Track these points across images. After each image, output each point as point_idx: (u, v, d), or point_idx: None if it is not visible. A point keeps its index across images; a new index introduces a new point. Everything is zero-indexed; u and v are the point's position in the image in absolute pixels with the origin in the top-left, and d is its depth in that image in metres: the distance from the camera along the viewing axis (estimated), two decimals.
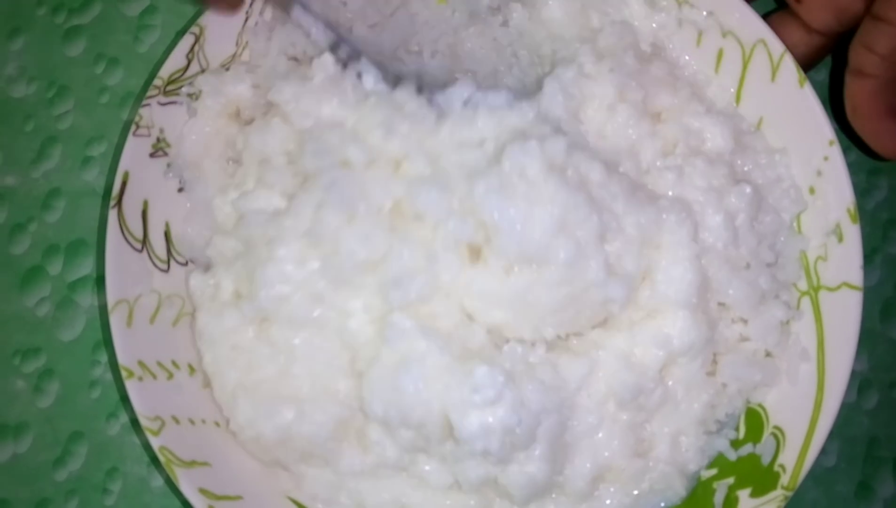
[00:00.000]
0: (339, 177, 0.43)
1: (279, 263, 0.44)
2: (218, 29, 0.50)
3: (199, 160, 0.50)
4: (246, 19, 0.51)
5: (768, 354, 0.48)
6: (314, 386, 0.45)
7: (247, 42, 0.51)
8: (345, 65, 0.47)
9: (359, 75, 0.46)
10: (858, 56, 0.46)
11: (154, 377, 0.46)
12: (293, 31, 0.50)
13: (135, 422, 0.53)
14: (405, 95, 0.45)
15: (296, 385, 0.45)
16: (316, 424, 0.44)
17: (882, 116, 0.46)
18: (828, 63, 0.58)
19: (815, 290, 0.48)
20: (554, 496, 0.45)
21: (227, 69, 0.51)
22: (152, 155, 0.49)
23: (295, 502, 0.47)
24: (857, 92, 0.46)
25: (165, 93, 0.50)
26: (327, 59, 0.46)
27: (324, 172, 0.44)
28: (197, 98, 0.50)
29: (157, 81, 0.49)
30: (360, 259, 0.43)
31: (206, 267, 0.49)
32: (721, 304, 0.47)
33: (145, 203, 0.49)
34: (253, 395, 0.45)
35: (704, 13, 0.50)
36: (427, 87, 0.46)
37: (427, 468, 0.45)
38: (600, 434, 0.44)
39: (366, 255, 0.43)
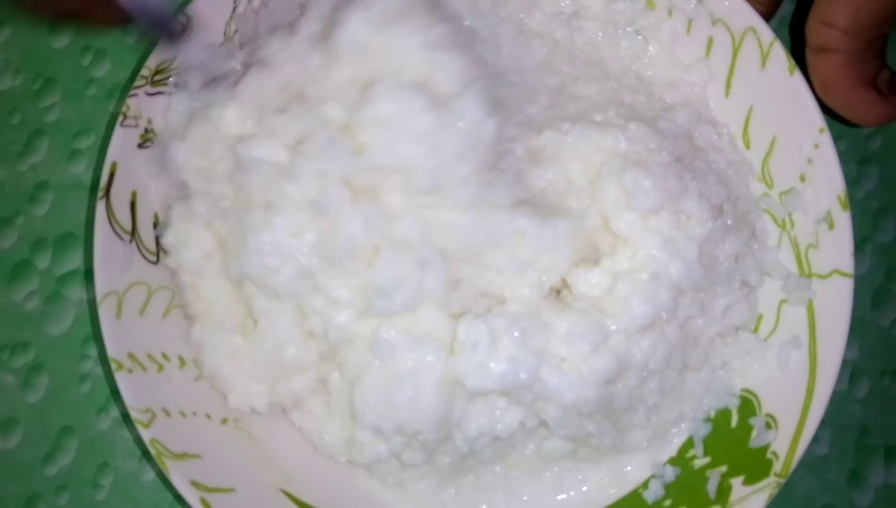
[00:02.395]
0: (334, 137, 0.41)
1: (276, 232, 0.42)
2: (206, 18, 0.50)
3: (182, 131, 0.48)
4: (234, 7, 0.51)
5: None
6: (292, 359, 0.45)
7: (236, 30, 0.51)
8: None
9: None
10: (819, 33, 0.45)
11: (144, 369, 0.46)
12: (279, 6, 0.49)
13: (125, 416, 0.53)
14: None
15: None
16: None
17: (854, 88, 0.46)
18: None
19: (806, 277, 0.48)
20: None
21: (221, 45, 0.50)
22: (140, 146, 0.49)
23: (288, 494, 0.47)
24: (824, 68, 0.46)
25: (153, 83, 0.49)
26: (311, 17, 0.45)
27: (315, 132, 0.42)
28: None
29: (144, 72, 0.49)
30: (357, 244, 0.42)
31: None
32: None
33: (134, 194, 0.49)
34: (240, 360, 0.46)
35: (694, 2, 0.50)
36: None
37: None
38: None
39: (364, 241, 0.42)
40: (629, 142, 0.45)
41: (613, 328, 0.43)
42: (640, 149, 0.45)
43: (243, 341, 0.46)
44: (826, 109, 0.50)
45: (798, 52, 0.48)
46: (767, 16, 0.51)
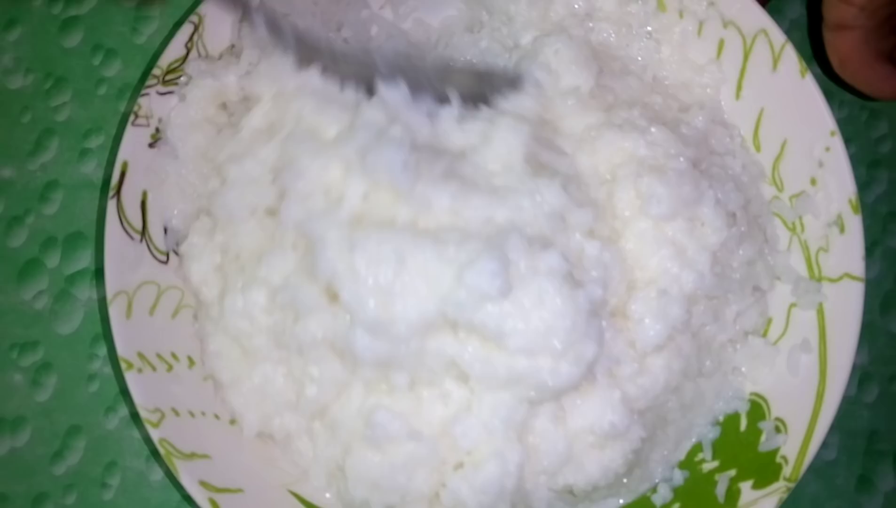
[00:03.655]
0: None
1: (248, 305, 0.44)
2: (217, 18, 0.50)
3: (182, 145, 0.49)
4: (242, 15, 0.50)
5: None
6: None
7: (240, 38, 0.51)
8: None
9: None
10: (836, 11, 0.46)
11: (153, 368, 0.46)
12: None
13: (134, 416, 0.53)
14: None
15: None
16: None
17: (872, 63, 0.47)
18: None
19: (816, 281, 0.48)
20: None
21: (220, 57, 0.50)
22: (151, 145, 0.49)
23: (296, 495, 0.47)
24: (841, 45, 0.47)
25: (164, 82, 0.49)
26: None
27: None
28: (187, 83, 0.49)
29: (155, 71, 0.49)
30: (318, 341, 0.43)
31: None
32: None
33: (144, 194, 0.49)
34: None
35: (705, 4, 0.50)
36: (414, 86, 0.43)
37: None
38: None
39: (321, 336, 0.42)
40: (649, 147, 0.45)
41: (633, 391, 0.43)
42: (659, 154, 0.45)
43: (244, 366, 0.46)
44: (843, 84, 0.50)
45: (815, 29, 0.48)
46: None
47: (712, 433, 0.48)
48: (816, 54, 0.53)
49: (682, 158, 0.46)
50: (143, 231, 0.48)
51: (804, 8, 0.59)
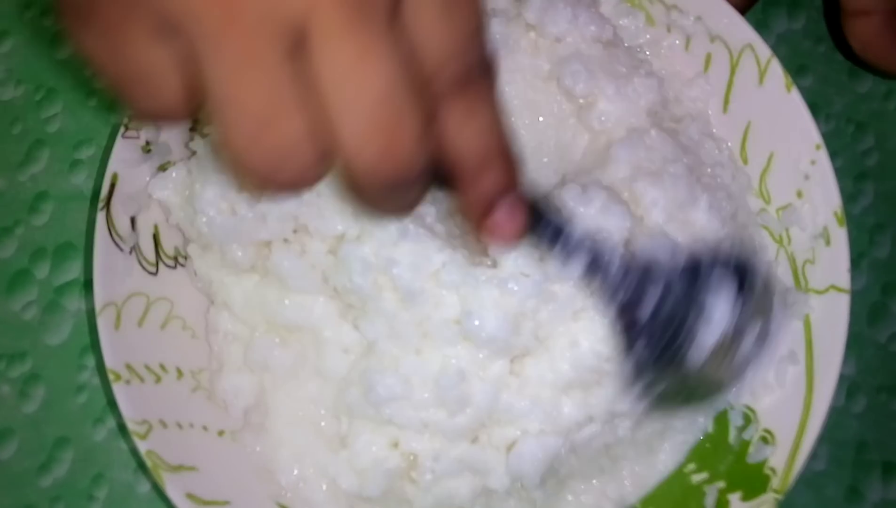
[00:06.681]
0: None
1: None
2: None
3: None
4: None
5: None
6: None
7: None
8: None
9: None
10: None
11: (142, 380, 0.46)
12: None
13: (122, 427, 0.53)
14: None
15: None
16: None
17: (894, 45, 0.48)
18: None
19: (803, 292, 0.48)
20: None
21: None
22: (141, 157, 0.49)
23: (283, 507, 0.47)
24: (862, 31, 0.49)
25: None
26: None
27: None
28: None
29: None
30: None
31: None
32: None
33: (134, 206, 0.49)
34: None
35: (692, 18, 0.51)
36: None
37: None
38: None
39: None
40: (647, 150, 0.45)
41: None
42: (657, 158, 0.45)
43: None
44: (868, 66, 0.52)
45: (831, 19, 0.49)
46: (744, 9, 0.52)
47: (701, 445, 0.48)
48: (837, 41, 0.56)
49: (679, 163, 0.46)
50: (133, 243, 0.48)
51: (791, 22, 0.60)
